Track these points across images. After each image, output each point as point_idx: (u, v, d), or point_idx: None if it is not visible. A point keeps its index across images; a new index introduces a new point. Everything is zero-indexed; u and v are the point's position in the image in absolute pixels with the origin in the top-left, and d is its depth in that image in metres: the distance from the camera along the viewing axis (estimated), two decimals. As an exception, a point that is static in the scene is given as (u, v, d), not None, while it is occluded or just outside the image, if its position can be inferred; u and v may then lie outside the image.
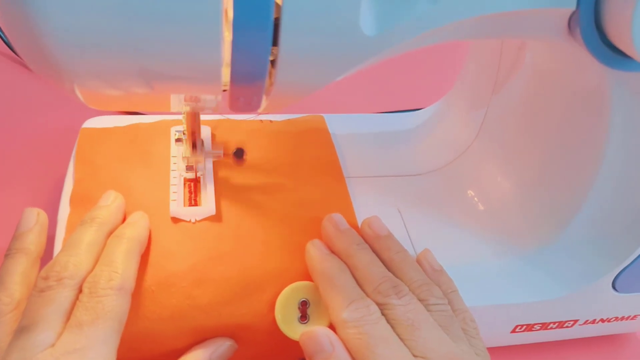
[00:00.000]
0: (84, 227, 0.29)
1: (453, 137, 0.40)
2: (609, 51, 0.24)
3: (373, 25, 0.21)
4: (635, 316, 0.38)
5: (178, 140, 0.35)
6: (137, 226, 0.30)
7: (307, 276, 0.31)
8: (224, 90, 0.24)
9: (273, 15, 0.20)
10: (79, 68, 0.20)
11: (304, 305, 0.30)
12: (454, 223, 0.36)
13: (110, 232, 0.30)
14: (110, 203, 0.31)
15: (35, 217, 0.30)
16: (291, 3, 0.20)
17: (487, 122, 0.37)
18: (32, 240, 0.29)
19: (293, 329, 0.29)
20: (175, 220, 0.32)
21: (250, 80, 0.22)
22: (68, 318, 0.25)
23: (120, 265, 0.27)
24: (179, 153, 0.35)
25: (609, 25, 0.22)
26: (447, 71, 0.59)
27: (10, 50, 0.57)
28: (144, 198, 0.33)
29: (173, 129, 0.37)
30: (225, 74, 0.22)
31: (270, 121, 0.40)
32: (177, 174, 0.34)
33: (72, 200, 0.33)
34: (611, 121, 0.29)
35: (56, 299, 0.25)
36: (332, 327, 0.28)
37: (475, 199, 0.38)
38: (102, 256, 0.28)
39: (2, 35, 0.56)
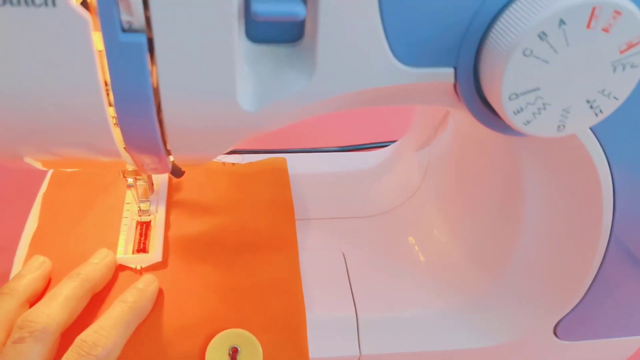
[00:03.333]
0: (67, 281, 0.31)
1: (401, 183, 0.41)
2: (496, 119, 0.24)
3: (252, 102, 0.23)
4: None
5: (130, 186, 0.37)
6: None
7: (241, 322, 0.32)
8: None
9: (152, 101, 0.22)
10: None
11: (234, 352, 0.31)
12: (395, 268, 0.37)
13: (93, 288, 0.31)
14: (99, 261, 0.32)
15: (38, 264, 0.32)
16: (169, 86, 0.21)
17: (429, 171, 0.38)
18: (25, 284, 0.31)
19: None
20: (122, 267, 0.34)
21: (147, 154, 0.24)
22: None
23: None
24: (132, 198, 0.38)
25: (487, 97, 0.23)
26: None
27: None
28: (97, 244, 0.35)
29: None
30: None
31: (233, 164, 0.42)
32: (129, 220, 0.36)
33: (32, 243, 0.35)
34: (525, 179, 0.29)
35: (27, 354, 0.27)
36: None
37: (416, 246, 0.38)
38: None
39: None
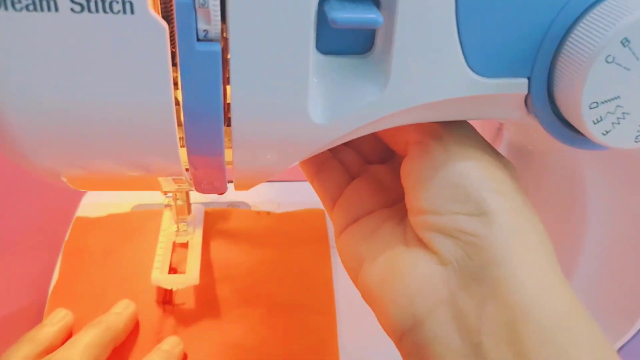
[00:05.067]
0: (89, 329, 0.30)
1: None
2: (568, 131, 0.24)
3: (323, 115, 0.22)
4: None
5: (167, 205, 0.36)
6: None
7: None
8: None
9: (223, 116, 0.21)
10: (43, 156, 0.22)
11: None
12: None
13: (115, 338, 0.31)
14: (122, 310, 0.32)
15: (60, 317, 0.32)
16: (240, 98, 0.21)
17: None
18: (46, 333, 0.31)
19: None
20: (159, 294, 0.33)
21: (209, 170, 0.23)
22: None
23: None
24: (168, 219, 0.36)
25: (562, 107, 0.23)
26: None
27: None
28: (128, 287, 0.34)
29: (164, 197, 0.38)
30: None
31: (268, 213, 0.40)
32: (165, 239, 0.35)
33: (52, 295, 0.34)
34: (586, 192, 0.28)
35: None
36: None
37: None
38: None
39: None
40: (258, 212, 0.40)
